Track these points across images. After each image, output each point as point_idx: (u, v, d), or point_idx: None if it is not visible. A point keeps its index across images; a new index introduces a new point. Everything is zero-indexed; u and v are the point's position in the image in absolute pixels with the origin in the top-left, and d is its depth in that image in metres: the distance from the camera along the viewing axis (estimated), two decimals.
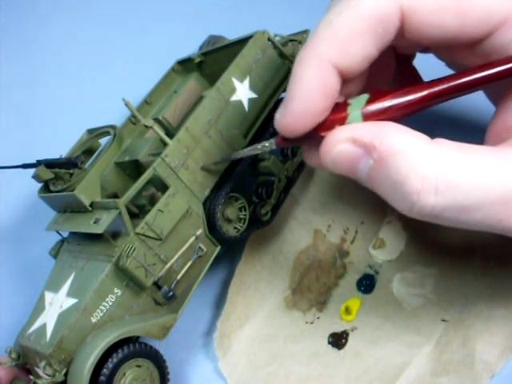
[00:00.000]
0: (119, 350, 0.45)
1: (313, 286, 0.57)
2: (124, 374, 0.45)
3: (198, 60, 0.62)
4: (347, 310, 0.54)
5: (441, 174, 0.33)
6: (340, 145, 0.37)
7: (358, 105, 0.38)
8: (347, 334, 0.53)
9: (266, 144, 0.44)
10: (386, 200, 0.37)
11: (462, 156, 0.34)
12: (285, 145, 0.43)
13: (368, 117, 0.37)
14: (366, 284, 0.56)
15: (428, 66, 0.47)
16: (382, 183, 0.35)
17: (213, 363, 0.54)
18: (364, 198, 0.61)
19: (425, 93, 0.36)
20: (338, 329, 0.53)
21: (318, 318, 0.55)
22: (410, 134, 0.35)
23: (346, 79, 0.39)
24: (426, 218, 0.35)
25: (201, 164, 0.50)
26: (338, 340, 0.52)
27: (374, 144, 0.35)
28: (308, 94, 0.37)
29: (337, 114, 0.38)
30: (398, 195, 0.34)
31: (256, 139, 0.54)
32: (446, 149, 0.34)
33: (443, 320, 0.49)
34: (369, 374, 0.49)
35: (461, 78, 0.36)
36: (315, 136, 0.39)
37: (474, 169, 0.33)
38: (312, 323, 0.55)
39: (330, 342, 0.53)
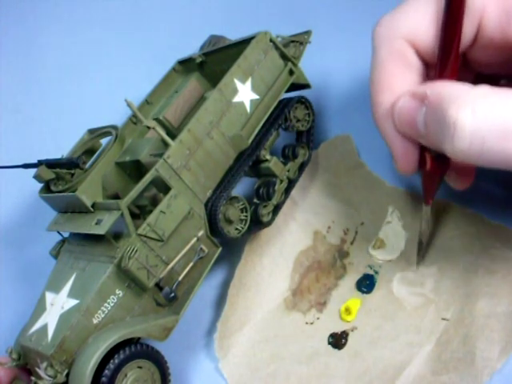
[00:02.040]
0: (121, 352, 0.45)
1: (313, 287, 0.57)
2: (125, 375, 0.45)
3: (199, 60, 0.62)
4: (347, 311, 0.54)
5: (479, 105, 0.36)
6: (402, 99, 0.42)
7: None
8: (347, 334, 0.53)
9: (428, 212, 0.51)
10: (437, 147, 0.40)
11: (494, 89, 0.37)
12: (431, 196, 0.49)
13: None
14: (366, 284, 0.56)
15: None
16: (433, 125, 0.39)
17: (213, 363, 0.54)
18: (364, 199, 0.61)
19: None
20: (338, 329, 0.53)
21: (318, 318, 0.55)
22: (454, 82, 0.40)
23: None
24: (475, 154, 0.37)
25: (203, 165, 0.50)
26: (338, 340, 0.52)
27: (427, 93, 0.40)
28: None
29: None
30: (445, 131, 0.37)
31: (257, 140, 0.54)
32: (481, 86, 0.38)
33: (443, 319, 0.49)
34: (369, 374, 0.49)
35: None
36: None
37: (507, 96, 0.37)
38: (312, 324, 0.55)
39: (329, 343, 0.53)
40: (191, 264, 0.50)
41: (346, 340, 0.52)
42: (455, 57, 0.43)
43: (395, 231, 0.58)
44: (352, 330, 0.53)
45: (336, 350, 0.52)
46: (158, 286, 0.48)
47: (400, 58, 0.44)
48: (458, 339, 0.47)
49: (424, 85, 0.41)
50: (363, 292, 0.55)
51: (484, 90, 0.37)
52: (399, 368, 0.47)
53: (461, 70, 0.47)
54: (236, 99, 0.52)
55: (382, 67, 0.45)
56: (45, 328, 0.47)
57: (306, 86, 0.59)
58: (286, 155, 0.58)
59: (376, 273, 0.56)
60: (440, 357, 0.46)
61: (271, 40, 0.55)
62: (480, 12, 0.42)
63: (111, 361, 0.44)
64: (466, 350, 0.45)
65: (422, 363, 0.47)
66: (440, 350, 0.47)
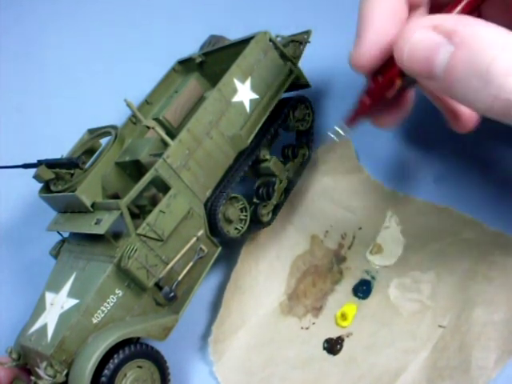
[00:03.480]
0: (120, 351, 0.45)
1: (309, 292, 0.57)
2: (125, 375, 0.45)
3: (198, 60, 0.62)
4: (343, 316, 0.54)
5: None
6: (419, 31, 0.34)
7: None
8: (342, 340, 0.52)
9: (339, 131, 0.42)
10: (459, 98, 0.35)
11: None
12: (353, 122, 0.42)
13: None
14: (363, 289, 0.55)
15: None
16: (464, 71, 0.33)
17: (208, 367, 0.54)
18: (362, 204, 0.61)
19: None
20: (334, 334, 0.53)
21: (314, 323, 0.55)
22: (489, 23, 0.33)
23: (413, 5, 0.39)
24: (507, 112, 0.33)
25: (202, 165, 0.50)
26: (333, 346, 0.52)
27: (457, 29, 0.33)
28: (380, 21, 0.38)
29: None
30: (482, 82, 0.32)
31: (257, 140, 0.54)
32: None
33: (440, 326, 0.49)
34: (364, 380, 0.48)
35: None
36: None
37: None
38: (307, 329, 0.55)
39: (325, 348, 0.53)
40: (191, 264, 0.50)
41: (342, 346, 0.52)
42: None
43: (393, 236, 0.58)
44: (347, 336, 0.53)
45: (331, 356, 0.52)
46: (158, 286, 0.48)
47: None
48: (454, 347, 0.46)
49: (450, 17, 0.34)
50: (360, 297, 0.55)
51: None
52: (394, 375, 0.47)
53: None
54: (235, 99, 0.52)
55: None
56: (44, 328, 0.47)
57: (305, 85, 0.59)
58: (286, 155, 0.58)
59: (373, 278, 0.56)
60: (436, 364, 0.46)
61: (271, 40, 0.55)
62: None
63: (111, 360, 0.44)
64: (462, 358, 0.45)
65: (418, 370, 0.47)
66: (436, 357, 0.47)
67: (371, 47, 0.38)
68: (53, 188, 0.53)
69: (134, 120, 0.60)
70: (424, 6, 0.41)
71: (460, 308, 0.49)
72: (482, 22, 0.33)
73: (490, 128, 0.43)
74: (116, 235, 0.47)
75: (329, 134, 0.43)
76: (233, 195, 0.52)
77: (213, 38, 0.65)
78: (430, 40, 0.34)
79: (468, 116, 0.47)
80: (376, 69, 0.39)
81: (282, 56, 0.56)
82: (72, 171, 0.53)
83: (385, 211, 0.59)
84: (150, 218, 0.47)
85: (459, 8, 0.36)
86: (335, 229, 0.60)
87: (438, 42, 0.34)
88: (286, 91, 0.57)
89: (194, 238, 0.50)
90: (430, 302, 0.51)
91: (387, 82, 0.39)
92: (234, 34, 0.60)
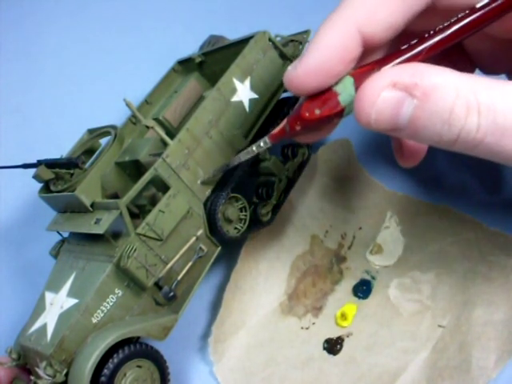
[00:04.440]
0: (120, 351, 0.45)
1: (309, 292, 0.57)
2: (125, 375, 0.45)
3: (198, 60, 0.62)
4: (343, 316, 0.54)
5: (480, 98, 0.34)
6: (383, 93, 0.35)
7: (345, 90, 0.37)
8: (342, 340, 0.52)
9: (261, 144, 0.43)
10: (423, 141, 0.37)
11: (497, 83, 0.35)
12: (277, 139, 0.42)
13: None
14: (363, 290, 0.56)
15: None
16: (428, 119, 0.35)
17: (208, 367, 0.54)
18: (362, 204, 0.61)
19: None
20: (334, 334, 0.53)
21: (314, 323, 0.55)
22: (442, 68, 0.35)
23: (368, 48, 0.39)
24: (468, 147, 0.35)
25: (202, 164, 0.50)
26: (333, 346, 0.52)
27: (415, 82, 0.35)
28: (326, 52, 0.37)
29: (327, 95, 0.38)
30: (445, 127, 0.35)
31: (256, 139, 0.54)
32: (479, 78, 0.35)
33: (440, 326, 0.49)
34: (363, 381, 0.48)
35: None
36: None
37: (508, 94, 0.35)
38: (307, 329, 0.55)
39: (325, 348, 0.53)
40: (190, 263, 0.50)
41: (342, 346, 0.52)
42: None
43: (393, 236, 0.58)
44: (347, 336, 0.53)
45: (331, 356, 0.52)
46: (157, 286, 0.48)
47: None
48: (454, 347, 0.46)
49: (404, 69, 0.36)
50: (360, 297, 0.55)
51: (485, 80, 0.35)
52: (394, 375, 0.47)
53: (459, 63, 0.46)
54: (235, 98, 0.52)
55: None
56: (44, 328, 0.47)
57: None
58: (286, 154, 0.58)
59: (373, 278, 0.56)
60: (435, 364, 0.46)
61: (270, 39, 0.55)
62: None
63: (110, 360, 0.44)
64: (462, 358, 0.45)
65: (418, 370, 0.47)
66: (436, 357, 0.47)
67: (310, 74, 0.37)
68: (52, 188, 0.53)
69: (133, 120, 0.60)
70: (383, 48, 0.41)
71: (460, 308, 0.49)
72: (434, 68, 0.35)
73: None
74: (115, 235, 0.47)
75: (252, 146, 0.44)
76: (232, 195, 0.52)
77: (212, 38, 0.65)
78: (393, 98, 0.35)
79: (415, 151, 0.49)
80: (309, 93, 0.38)
81: (282, 56, 0.56)
82: (72, 171, 0.53)
83: (385, 211, 0.59)
84: (150, 217, 0.47)
85: (408, 56, 0.37)
86: (335, 229, 0.60)
87: (400, 99, 0.35)
88: (285, 91, 0.57)
89: (194, 238, 0.50)
90: (430, 302, 0.51)
91: (326, 118, 0.38)
92: (233, 34, 0.60)
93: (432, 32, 0.37)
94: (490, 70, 0.49)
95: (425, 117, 0.35)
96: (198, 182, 0.50)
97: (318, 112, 0.38)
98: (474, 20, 0.36)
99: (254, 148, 0.44)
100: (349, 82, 0.37)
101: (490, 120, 0.34)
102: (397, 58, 0.37)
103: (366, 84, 0.36)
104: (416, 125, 0.36)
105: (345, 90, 0.37)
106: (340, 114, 0.38)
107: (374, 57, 0.40)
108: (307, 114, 0.39)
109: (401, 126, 0.36)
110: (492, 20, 0.37)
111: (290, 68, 0.39)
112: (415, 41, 0.37)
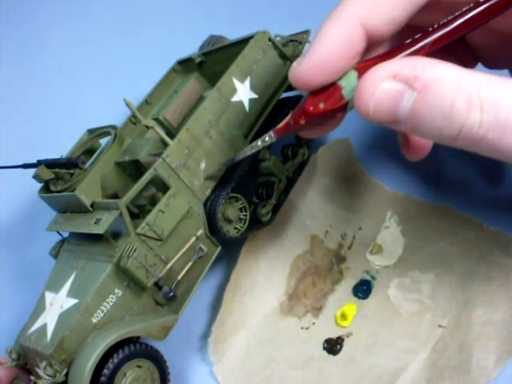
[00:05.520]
0: (120, 351, 0.45)
1: (309, 292, 0.57)
2: (125, 375, 0.45)
3: (198, 60, 0.62)
4: (343, 316, 0.54)
5: (483, 94, 0.34)
6: (382, 84, 0.35)
7: (349, 84, 0.38)
8: (342, 340, 0.52)
9: (266, 138, 0.44)
10: (423, 136, 0.37)
11: (499, 79, 0.35)
12: (282, 133, 0.42)
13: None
14: (363, 290, 0.55)
15: None
16: (428, 113, 0.35)
17: (208, 367, 0.53)
18: (362, 204, 0.61)
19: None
20: (334, 334, 0.53)
21: (314, 323, 0.55)
22: (444, 63, 0.35)
23: (372, 43, 0.39)
24: (470, 143, 0.35)
25: (201, 164, 0.50)
26: (333, 346, 0.52)
27: (416, 75, 0.34)
28: (330, 47, 0.37)
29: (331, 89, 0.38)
30: (446, 121, 0.35)
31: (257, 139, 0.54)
32: (482, 74, 0.35)
33: (440, 326, 0.49)
34: (363, 381, 0.48)
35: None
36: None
37: (511, 90, 0.34)
38: (307, 329, 0.55)
39: (325, 348, 0.53)
40: (190, 263, 0.50)
41: (342, 346, 0.52)
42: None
43: (393, 236, 0.58)
44: (347, 336, 0.53)
45: (331, 356, 0.52)
46: (157, 286, 0.48)
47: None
48: (454, 347, 0.46)
49: (405, 62, 0.36)
50: (360, 297, 0.55)
51: (488, 76, 0.35)
52: (394, 375, 0.47)
53: (463, 57, 0.46)
54: (235, 98, 0.52)
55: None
56: (44, 328, 0.47)
57: None
58: (286, 154, 0.58)
59: (373, 278, 0.56)
60: (435, 364, 0.46)
61: (270, 39, 0.55)
62: None
63: (110, 360, 0.44)
64: (462, 358, 0.45)
65: (418, 370, 0.47)
66: (436, 357, 0.47)
67: (315, 69, 0.38)
68: (52, 188, 0.53)
69: (133, 120, 0.60)
70: (387, 43, 0.41)
71: (460, 308, 0.49)
72: (435, 62, 0.35)
73: None
74: (115, 235, 0.47)
75: (257, 141, 0.45)
76: (232, 195, 0.52)
77: (212, 38, 0.65)
78: (392, 90, 0.35)
79: (421, 145, 0.49)
80: (314, 89, 0.39)
81: (282, 55, 0.56)
82: (72, 171, 0.53)
83: (385, 211, 0.59)
84: (150, 217, 0.47)
85: (412, 50, 0.37)
86: (335, 229, 0.60)
87: (400, 91, 0.35)
88: (285, 91, 0.57)
89: (194, 238, 0.50)
90: (430, 302, 0.51)
91: (330, 112, 0.39)
92: (233, 34, 0.60)
93: (435, 26, 0.37)
94: (492, 64, 0.48)
95: (425, 110, 0.35)
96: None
97: (322, 106, 0.38)
98: (477, 14, 0.36)
99: (259, 142, 0.45)
100: (353, 75, 0.37)
101: (492, 116, 0.34)
102: (400, 52, 0.37)
103: (366, 75, 0.36)
104: (416, 118, 0.36)
105: (349, 84, 0.38)
106: (344, 107, 0.38)
107: (377, 51, 0.40)
108: (311, 109, 0.39)
109: (401, 119, 0.36)
110: (496, 14, 0.37)
111: (294, 64, 0.39)
112: (419, 35, 0.37)
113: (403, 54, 0.37)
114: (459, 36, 0.37)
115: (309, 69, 0.38)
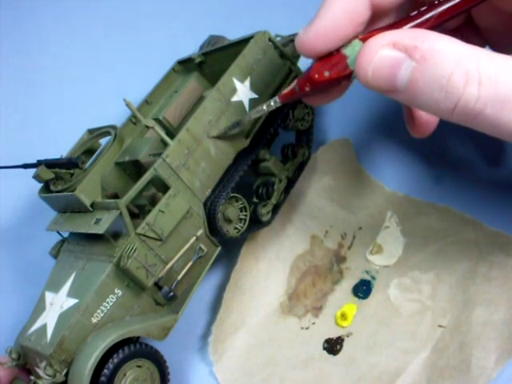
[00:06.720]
0: (120, 351, 0.45)
1: (309, 292, 0.57)
2: (125, 375, 0.45)
3: (198, 60, 0.62)
4: (343, 316, 0.54)
5: (482, 68, 0.34)
6: (381, 50, 0.36)
7: (354, 53, 0.38)
8: (342, 340, 0.52)
9: (272, 103, 0.44)
10: (421, 107, 0.37)
11: (500, 56, 0.35)
12: (287, 99, 0.43)
13: None
14: (363, 290, 0.56)
15: None
16: (425, 84, 0.35)
17: (208, 367, 0.54)
18: (362, 204, 0.61)
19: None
20: (334, 334, 0.53)
21: (314, 323, 0.55)
22: (446, 36, 0.35)
23: (377, 12, 0.40)
24: (467, 118, 0.35)
25: (202, 164, 0.50)
26: (333, 346, 0.52)
27: (416, 44, 0.35)
28: (336, 14, 0.38)
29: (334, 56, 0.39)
30: (442, 93, 0.35)
31: (257, 139, 0.54)
32: (482, 50, 0.35)
33: (440, 326, 0.49)
34: (363, 381, 0.48)
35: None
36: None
37: (510, 65, 0.34)
38: (307, 329, 0.55)
39: (325, 348, 0.53)
40: (190, 263, 0.50)
41: (341, 346, 0.52)
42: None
43: (393, 236, 0.58)
44: (347, 336, 0.53)
45: (331, 356, 0.52)
46: (157, 286, 0.48)
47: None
48: (454, 347, 0.46)
49: (406, 32, 0.36)
50: (360, 297, 0.55)
51: (489, 52, 0.35)
52: (394, 375, 0.47)
53: (471, 41, 0.46)
54: (235, 98, 0.52)
55: None
56: (44, 328, 0.47)
57: None
58: (286, 154, 0.58)
59: (373, 278, 0.56)
60: (435, 364, 0.46)
61: (270, 39, 0.55)
62: None
63: (110, 360, 0.44)
64: (462, 358, 0.45)
65: (418, 370, 0.47)
66: (436, 357, 0.47)
67: (320, 37, 0.38)
68: (52, 188, 0.53)
69: (133, 120, 0.60)
70: (392, 14, 0.42)
71: (460, 308, 0.49)
72: (437, 34, 0.35)
73: None
74: (115, 235, 0.47)
75: (263, 105, 0.46)
76: (232, 195, 0.52)
77: (212, 38, 0.65)
78: (391, 57, 0.36)
79: (426, 122, 0.49)
80: (320, 55, 0.39)
81: (282, 55, 0.56)
82: (72, 171, 0.53)
83: (385, 211, 0.59)
84: (150, 217, 0.47)
85: (417, 22, 0.37)
86: (335, 229, 0.60)
87: (399, 59, 0.35)
88: None
89: (194, 238, 0.50)
90: (430, 302, 0.51)
91: (335, 80, 0.39)
92: (233, 34, 0.60)
93: None
94: (501, 46, 0.48)
95: (422, 81, 0.35)
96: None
97: (327, 74, 0.39)
98: None
99: (265, 107, 0.45)
100: (357, 45, 0.38)
101: (490, 91, 0.34)
102: (406, 24, 0.37)
103: (367, 42, 0.37)
104: (414, 88, 0.36)
105: (353, 54, 0.38)
106: (348, 76, 0.39)
107: (383, 22, 0.41)
108: (317, 76, 0.39)
109: (399, 88, 0.36)
110: None
111: (301, 32, 0.39)
112: (425, 7, 0.37)
113: (408, 25, 0.37)
114: (465, 9, 0.37)
115: (314, 36, 0.38)
